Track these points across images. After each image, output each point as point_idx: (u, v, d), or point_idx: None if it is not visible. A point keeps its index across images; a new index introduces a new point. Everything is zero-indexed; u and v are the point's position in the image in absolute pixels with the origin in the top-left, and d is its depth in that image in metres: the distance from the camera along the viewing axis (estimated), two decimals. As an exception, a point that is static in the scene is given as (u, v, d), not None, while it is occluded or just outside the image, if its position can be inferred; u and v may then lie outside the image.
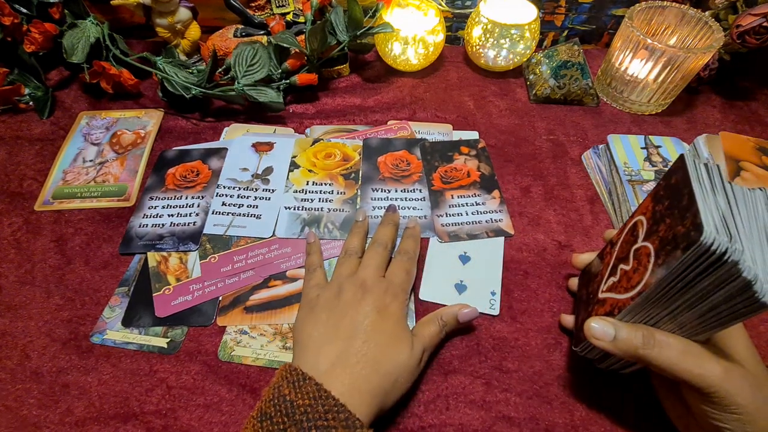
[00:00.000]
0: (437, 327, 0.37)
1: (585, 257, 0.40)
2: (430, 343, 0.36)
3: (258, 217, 0.47)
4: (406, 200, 0.49)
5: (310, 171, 0.52)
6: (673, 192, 0.28)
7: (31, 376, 0.37)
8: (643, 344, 0.29)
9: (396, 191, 0.50)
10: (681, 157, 0.28)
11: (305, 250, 0.44)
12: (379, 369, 0.32)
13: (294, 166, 0.52)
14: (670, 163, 0.50)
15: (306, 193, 0.49)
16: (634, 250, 0.31)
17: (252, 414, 0.29)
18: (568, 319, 0.39)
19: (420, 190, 0.50)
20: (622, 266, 0.32)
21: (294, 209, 0.48)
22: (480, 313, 0.41)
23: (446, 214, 0.48)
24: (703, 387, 0.27)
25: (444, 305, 0.42)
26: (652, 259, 0.28)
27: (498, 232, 0.47)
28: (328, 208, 0.48)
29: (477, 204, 0.49)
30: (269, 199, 0.49)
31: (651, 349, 0.28)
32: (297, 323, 0.37)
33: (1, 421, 0.35)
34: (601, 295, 0.34)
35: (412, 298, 0.42)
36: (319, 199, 0.49)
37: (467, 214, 0.48)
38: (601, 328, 0.30)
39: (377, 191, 0.50)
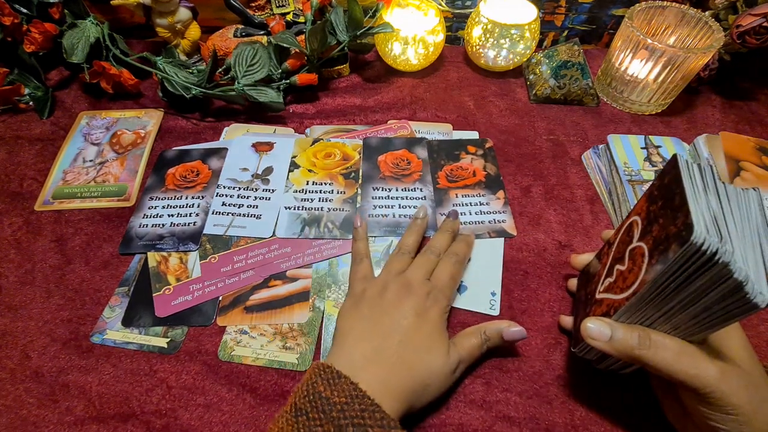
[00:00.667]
0: (479, 340, 0.36)
1: (583, 258, 0.40)
2: (469, 355, 0.36)
3: (258, 217, 0.47)
4: (406, 199, 0.49)
5: (310, 171, 0.52)
6: (666, 192, 0.28)
7: (31, 376, 0.37)
8: (639, 345, 0.29)
9: (396, 190, 0.50)
10: (674, 158, 0.28)
11: (353, 235, 0.44)
12: (412, 371, 0.32)
13: (294, 166, 0.52)
14: (670, 163, 0.50)
15: (306, 193, 0.49)
16: (630, 251, 0.31)
17: (284, 409, 0.29)
18: (567, 320, 0.39)
19: (420, 189, 0.50)
20: (618, 267, 0.32)
21: (294, 209, 0.48)
22: (480, 313, 0.41)
23: None
24: (699, 388, 0.27)
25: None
26: (646, 260, 0.28)
27: (500, 233, 0.47)
28: (328, 208, 0.48)
29: (481, 204, 0.49)
30: (269, 199, 0.49)
31: (647, 349, 0.28)
32: (341, 314, 0.37)
33: (1, 421, 0.35)
34: (598, 296, 0.34)
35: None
36: (319, 198, 0.49)
37: (471, 213, 0.48)
38: (597, 329, 0.30)
39: (378, 190, 0.50)
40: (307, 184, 0.50)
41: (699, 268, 0.24)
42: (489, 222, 0.48)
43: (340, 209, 0.48)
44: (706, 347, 0.29)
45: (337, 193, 0.50)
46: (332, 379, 0.30)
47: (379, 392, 0.30)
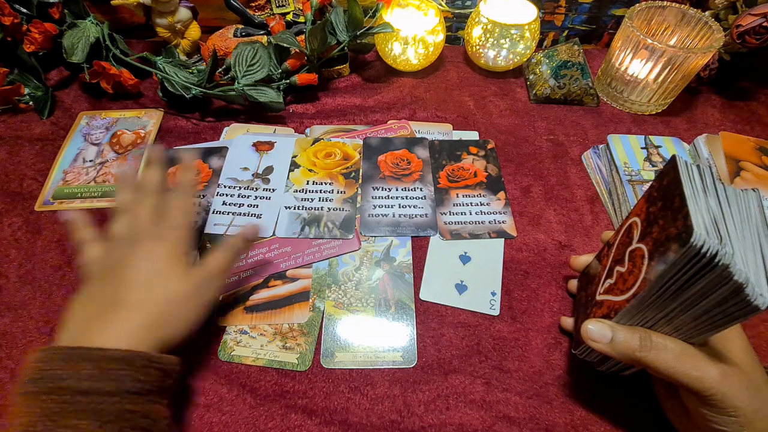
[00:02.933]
0: (223, 252, 0.37)
1: (583, 259, 0.40)
2: (216, 266, 0.36)
3: (258, 216, 0.47)
4: (407, 198, 0.49)
5: (310, 170, 0.52)
6: (666, 193, 0.28)
7: (31, 376, 0.37)
8: (640, 347, 0.29)
9: (397, 190, 0.50)
10: (673, 159, 0.28)
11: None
12: (144, 304, 0.32)
13: (294, 165, 0.52)
14: (670, 163, 0.50)
15: (306, 193, 0.49)
16: (629, 252, 0.31)
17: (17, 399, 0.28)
18: (568, 322, 0.39)
19: (421, 189, 0.50)
20: (618, 268, 0.32)
21: (294, 209, 0.48)
22: (480, 313, 0.41)
23: (450, 212, 0.48)
24: (701, 390, 0.27)
25: (445, 305, 0.42)
26: (646, 261, 0.28)
27: (501, 234, 0.47)
28: (328, 208, 0.48)
29: (481, 204, 0.49)
30: (269, 198, 0.49)
31: (648, 351, 0.28)
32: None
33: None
34: (598, 298, 0.34)
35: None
36: (319, 198, 0.49)
37: (471, 213, 0.48)
38: (598, 331, 0.30)
39: (378, 190, 0.50)
40: (308, 183, 0.50)
41: (699, 271, 0.24)
42: (489, 222, 0.48)
43: (340, 209, 0.48)
44: (707, 349, 0.29)
45: (338, 192, 0.50)
46: (71, 359, 0.29)
47: (107, 337, 0.30)
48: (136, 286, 0.33)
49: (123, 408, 0.28)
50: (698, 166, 0.27)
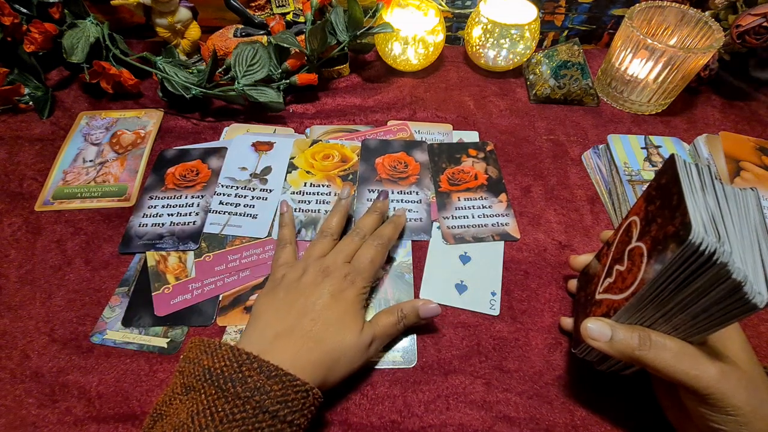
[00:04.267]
0: (395, 318, 0.37)
1: (583, 259, 0.40)
2: (383, 332, 0.37)
3: (254, 216, 0.47)
4: (402, 202, 0.49)
5: (307, 172, 0.52)
6: (664, 192, 0.28)
7: (31, 376, 0.37)
8: (639, 345, 0.29)
9: (393, 193, 0.50)
10: (671, 157, 0.28)
11: (279, 221, 0.45)
12: (323, 345, 0.33)
13: (292, 167, 0.52)
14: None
15: (303, 195, 0.49)
16: (629, 251, 0.31)
17: (175, 390, 0.30)
18: (568, 322, 0.39)
19: (417, 192, 0.50)
20: (617, 267, 0.32)
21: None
22: (480, 313, 0.41)
23: (452, 216, 0.48)
24: (699, 389, 0.27)
25: (445, 305, 0.42)
26: (645, 260, 0.28)
27: (504, 236, 0.47)
28: (326, 210, 0.48)
29: (483, 207, 0.49)
30: (266, 199, 0.49)
31: (647, 350, 0.28)
32: (257, 298, 0.38)
33: (0, 421, 0.35)
34: (598, 297, 0.34)
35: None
36: (317, 200, 0.49)
37: (473, 216, 0.48)
38: (597, 329, 0.30)
39: (373, 192, 0.50)
40: (305, 185, 0.50)
41: (697, 269, 0.24)
42: (492, 225, 0.47)
43: (339, 209, 0.48)
44: (706, 348, 0.29)
45: (335, 195, 0.50)
46: (215, 350, 0.30)
47: (290, 364, 0.30)
48: (323, 324, 0.34)
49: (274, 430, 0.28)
50: (697, 165, 0.28)
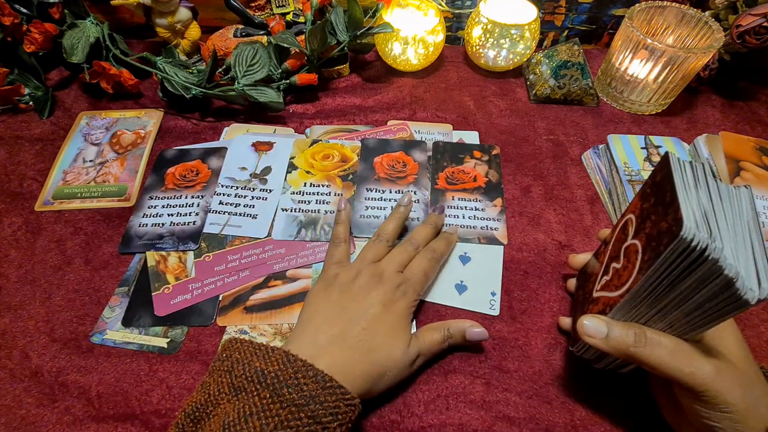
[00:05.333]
0: (441, 336, 0.37)
1: (581, 258, 0.40)
2: (429, 349, 0.36)
3: (254, 217, 0.47)
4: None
5: (307, 172, 0.52)
6: (658, 189, 0.28)
7: (31, 376, 0.37)
8: (634, 342, 0.29)
9: (390, 192, 0.50)
10: (665, 155, 0.28)
11: (335, 218, 0.44)
12: (371, 357, 0.33)
13: (292, 167, 0.52)
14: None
15: (303, 195, 0.49)
16: (624, 248, 0.31)
17: (222, 390, 0.30)
18: (566, 322, 0.39)
19: (414, 192, 0.50)
20: (614, 264, 0.32)
21: (291, 211, 0.48)
22: (480, 313, 0.41)
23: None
24: (694, 386, 0.27)
25: (444, 305, 0.42)
26: (640, 256, 0.28)
27: (491, 240, 0.46)
28: (326, 210, 0.48)
29: (476, 209, 0.49)
30: (266, 199, 0.49)
31: (643, 347, 0.28)
32: (310, 295, 0.38)
33: (0, 421, 0.35)
34: (595, 294, 0.34)
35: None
36: (317, 200, 0.49)
37: (463, 217, 0.48)
38: (593, 326, 0.30)
39: (371, 191, 0.50)
40: (305, 185, 0.50)
41: (690, 265, 0.24)
42: (481, 228, 0.47)
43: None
44: (701, 345, 0.29)
45: (335, 195, 0.50)
46: (267, 353, 0.30)
47: (338, 371, 0.30)
48: (373, 334, 0.34)
49: None
50: (691, 163, 0.28)
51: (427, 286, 0.40)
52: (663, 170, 0.28)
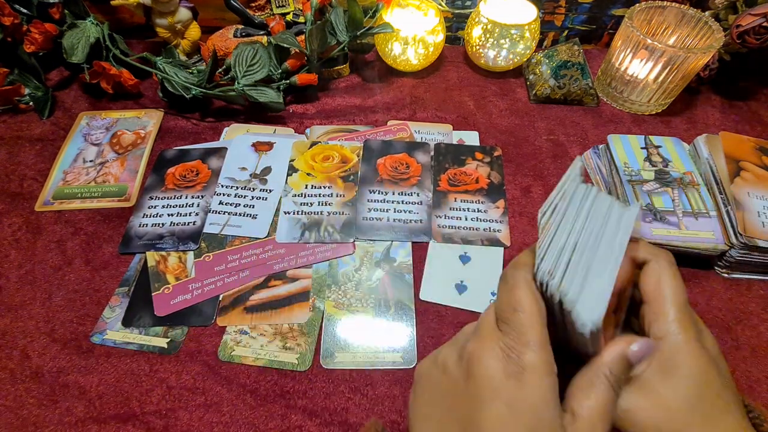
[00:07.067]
0: (604, 386, 0.22)
1: None
2: (601, 420, 0.21)
3: (254, 217, 0.47)
4: (403, 203, 0.49)
5: (308, 174, 0.51)
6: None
7: (31, 376, 0.37)
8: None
9: (393, 194, 0.50)
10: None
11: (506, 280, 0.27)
12: None
13: (292, 169, 0.52)
14: (670, 163, 0.50)
15: (305, 197, 0.49)
16: None
17: None
18: None
19: (417, 194, 0.50)
20: None
21: (293, 214, 0.48)
22: (480, 313, 0.41)
23: (445, 216, 0.48)
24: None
25: (444, 305, 0.42)
26: None
27: (494, 242, 0.46)
28: (328, 212, 0.48)
29: (478, 211, 0.49)
30: (266, 199, 0.49)
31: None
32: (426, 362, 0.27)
33: (0, 421, 0.35)
34: None
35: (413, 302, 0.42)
36: (318, 202, 0.49)
37: (466, 219, 0.48)
38: None
39: (374, 193, 0.50)
40: (306, 187, 0.50)
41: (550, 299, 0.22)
42: (484, 230, 0.47)
43: (339, 212, 0.48)
44: (637, 385, 0.22)
45: (336, 196, 0.50)
46: None
47: None
48: None
49: None
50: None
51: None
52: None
